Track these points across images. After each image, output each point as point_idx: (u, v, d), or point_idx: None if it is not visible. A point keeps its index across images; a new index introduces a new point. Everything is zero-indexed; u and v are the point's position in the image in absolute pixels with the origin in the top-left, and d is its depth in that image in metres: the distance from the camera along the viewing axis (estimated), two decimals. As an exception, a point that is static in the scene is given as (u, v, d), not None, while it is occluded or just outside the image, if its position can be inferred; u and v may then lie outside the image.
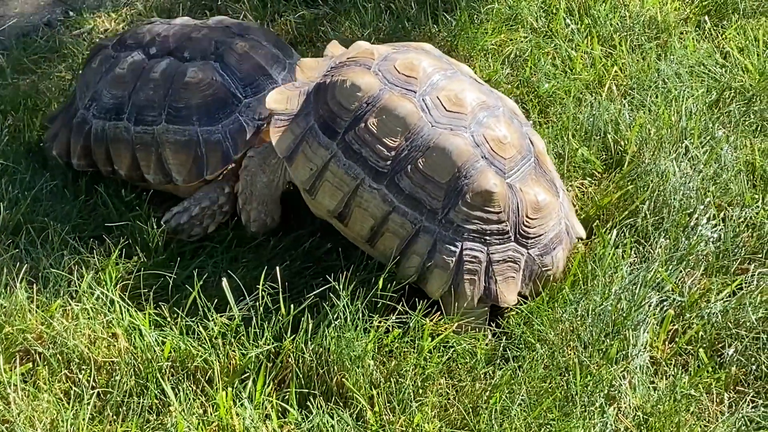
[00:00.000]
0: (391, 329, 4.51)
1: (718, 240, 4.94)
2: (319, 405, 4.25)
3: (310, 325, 4.41)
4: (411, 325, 4.51)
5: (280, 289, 4.52)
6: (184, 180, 5.22)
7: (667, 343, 4.58)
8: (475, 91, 4.80)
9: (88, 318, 4.55)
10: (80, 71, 5.66)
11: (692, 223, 4.99)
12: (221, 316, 4.52)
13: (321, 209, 4.83)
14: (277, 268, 4.60)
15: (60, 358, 4.45)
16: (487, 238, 4.62)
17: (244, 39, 5.31)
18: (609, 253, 4.80)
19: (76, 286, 4.69)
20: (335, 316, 4.44)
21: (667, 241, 4.95)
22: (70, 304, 4.61)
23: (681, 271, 4.82)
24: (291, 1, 6.76)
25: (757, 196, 5.16)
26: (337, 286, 4.49)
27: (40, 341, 4.48)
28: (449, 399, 4.30)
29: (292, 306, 4.48)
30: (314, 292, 4.54)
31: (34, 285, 4.64)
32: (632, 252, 4.89)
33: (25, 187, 5.30)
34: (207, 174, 5.17)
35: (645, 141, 5.41)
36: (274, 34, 5.64)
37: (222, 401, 4.20)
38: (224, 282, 4.57)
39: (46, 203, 5.24)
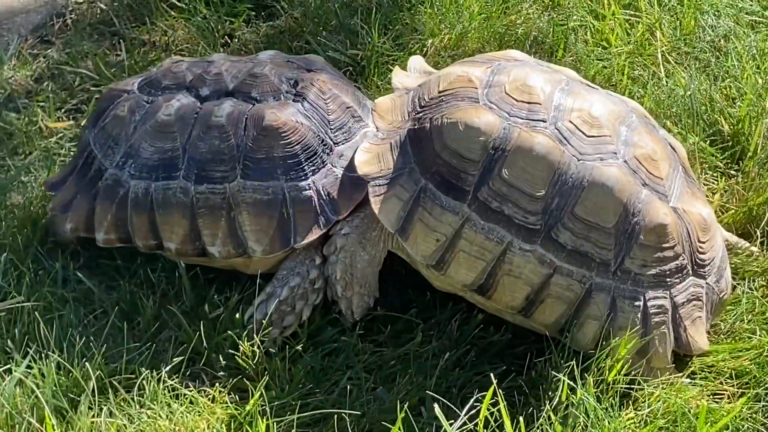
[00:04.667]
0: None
1: None
2: None
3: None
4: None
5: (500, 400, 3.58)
6: (264, 250, 4.10)
7: None
8: (603, 101, 4.00)
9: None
10: (92, 123, 4.44)
11: None
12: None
13: (452, 284, 3.97)
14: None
15: None
16: (668, 279, 3.89)
17: (318, 74, 4.29)
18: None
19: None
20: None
21: None
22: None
23: None
24: (241, 17, 5.57)
25: None
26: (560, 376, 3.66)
27: None
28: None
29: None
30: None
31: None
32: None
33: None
34: (296, 242, 4.08)
35: (756, 115, 4.74)
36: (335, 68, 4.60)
37: None
38: (437, 408, 3.57)
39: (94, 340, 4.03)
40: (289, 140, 4.11)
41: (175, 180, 4.15)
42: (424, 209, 3.87)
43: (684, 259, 3.92)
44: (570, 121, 3.88)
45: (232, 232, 4.11)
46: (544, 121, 3.87)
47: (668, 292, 3.90)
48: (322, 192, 4.09)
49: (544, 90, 3.94)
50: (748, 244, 4.35)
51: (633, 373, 3.84)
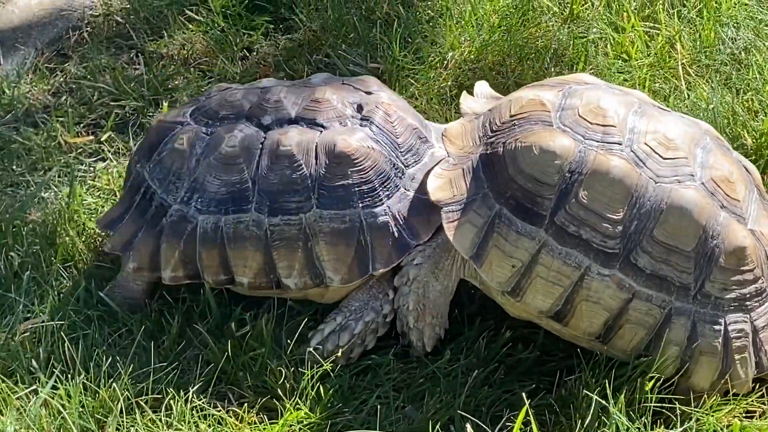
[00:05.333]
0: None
1: None
2: None
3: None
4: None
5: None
6: (343, 279, 4.04)
7: None
8: (677, 124, 3.96)
9: None
10: (145, 156, 4.34)
11: None
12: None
13: (528, 311, 3.91)
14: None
15: None
16: (747, 303, 3.84)
17: (380, 95, 4.23)
18: None
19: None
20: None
21: None
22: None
23: None
24: (259, 30, 5.55)
25: None
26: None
27: None
28: None
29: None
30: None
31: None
32: None
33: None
34: (375, 269, 4.02)
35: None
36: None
37: None
38: (469, 429, 3.58)
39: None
40: (362, 166, 4.05)
41: (246, 213, 4.07)
42: (499, 235, 3.81)
43: (763, 282, 3.87)
44: (646, 144, 3.82)
45: (309, 262, 4.04)
46: (620, 144, 3.82)
47: (748, 316, 3.85)
48: (398, 217, 4.04)
49: (618, 113, 3.88)
50: None
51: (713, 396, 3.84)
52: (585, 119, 3.86)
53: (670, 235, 3.77)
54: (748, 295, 3.85)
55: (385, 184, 4.07)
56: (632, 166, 3.78)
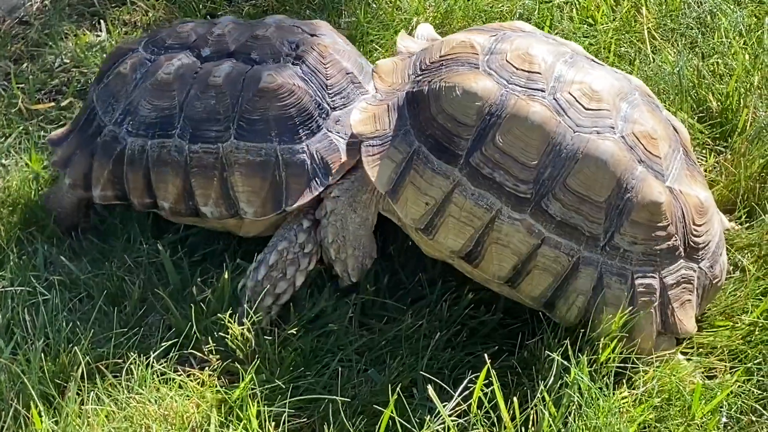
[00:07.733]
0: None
1: None
2: None
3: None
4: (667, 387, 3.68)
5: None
6: (256, 212, 4.05)
7: None
8: (607, 77, 3.93)
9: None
10: (97, 80, 4.39)
11: None
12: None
13: (441, 249, 3.90)
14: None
15: None
16: (658, 259, 3.83)
17: (321, 38, 4.23)
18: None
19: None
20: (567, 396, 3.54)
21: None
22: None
23: None
24: (222, -5, 5.53)
25: None
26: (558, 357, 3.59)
27: None
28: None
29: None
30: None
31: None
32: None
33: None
34: (288, 205, 4.02)
35: (743, 91, 4.69)
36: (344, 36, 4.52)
37: None
38: (430, 389, 3.51)
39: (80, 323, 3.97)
40: (284, 102, 4.05)
41: (170, 138, 4.10)
42: (416, 172, 3.82)
43: (676, 241, 3.85)
44: (569, 93, 3.81)
45: (225, 193, 4.06)
46: (543, 91, 3.81)
47: (658, 273, 3.83)
48: (315, 156, 4.03)
49: (546, 60, 3.88)
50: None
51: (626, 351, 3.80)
52: (511, 64, 3.85)
53: (583, 184, 3.76)
54: (659, 252, 3.84)
55: (307, 123, 4.06)
56: (552, 113, 3.76)
